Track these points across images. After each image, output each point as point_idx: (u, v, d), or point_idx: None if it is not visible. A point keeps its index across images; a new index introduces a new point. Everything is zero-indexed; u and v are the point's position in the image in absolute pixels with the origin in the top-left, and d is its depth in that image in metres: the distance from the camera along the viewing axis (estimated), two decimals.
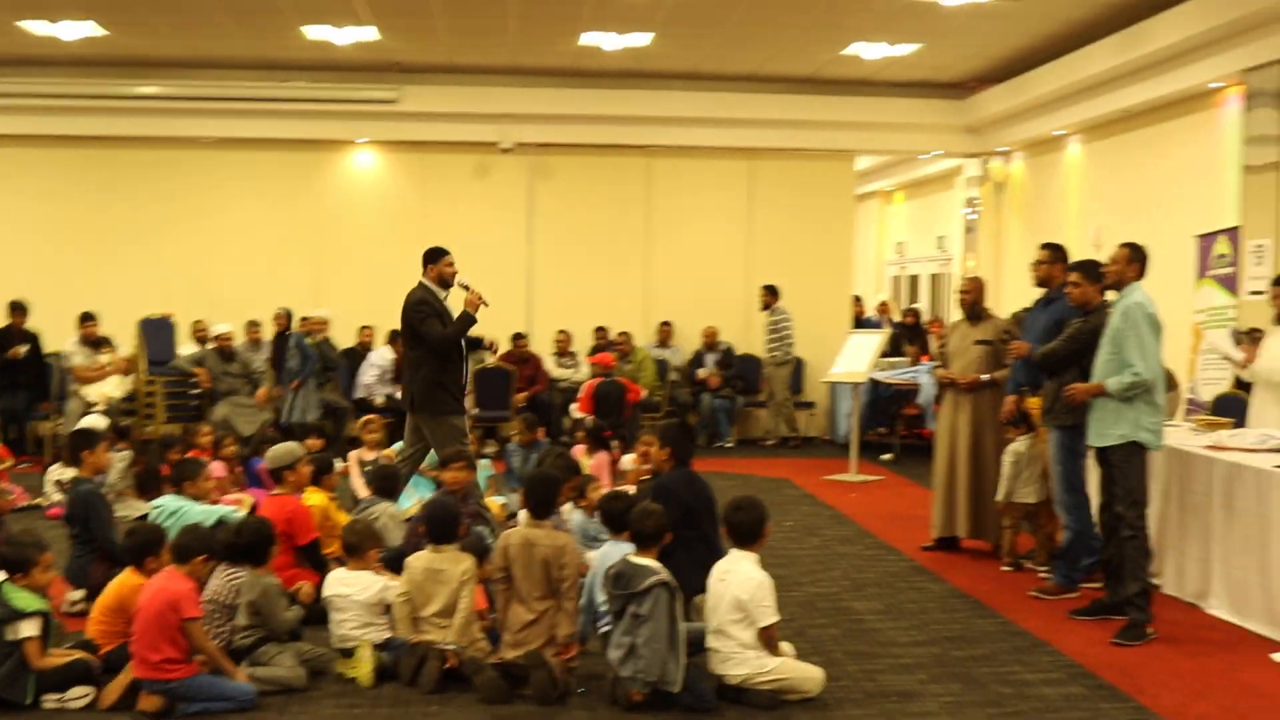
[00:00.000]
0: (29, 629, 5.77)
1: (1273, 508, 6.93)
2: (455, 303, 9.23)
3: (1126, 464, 7.13)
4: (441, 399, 8.94)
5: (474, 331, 9.32)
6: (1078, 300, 7.74)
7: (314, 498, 8.03)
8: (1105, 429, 7.21)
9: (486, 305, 9.14)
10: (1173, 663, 6.59)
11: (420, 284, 9.21)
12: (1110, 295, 7.55)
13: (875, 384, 14.37)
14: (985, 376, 9.11)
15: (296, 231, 16.22)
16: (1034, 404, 8.51)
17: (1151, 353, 7.08)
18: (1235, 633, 7.14)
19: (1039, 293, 8.71)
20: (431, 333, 8.92)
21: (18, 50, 14.44)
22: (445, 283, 9.25)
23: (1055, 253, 8.57)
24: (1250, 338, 10.72)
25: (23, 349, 13.37)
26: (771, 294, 15.77)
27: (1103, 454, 7.30)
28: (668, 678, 5.70)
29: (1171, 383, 9.38)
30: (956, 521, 9.27)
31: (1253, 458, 7.34)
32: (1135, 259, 7.32)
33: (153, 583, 5.92)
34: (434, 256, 9.34)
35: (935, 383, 10.44)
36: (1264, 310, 10.66)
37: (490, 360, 14.21)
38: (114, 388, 13.46)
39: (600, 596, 6.20)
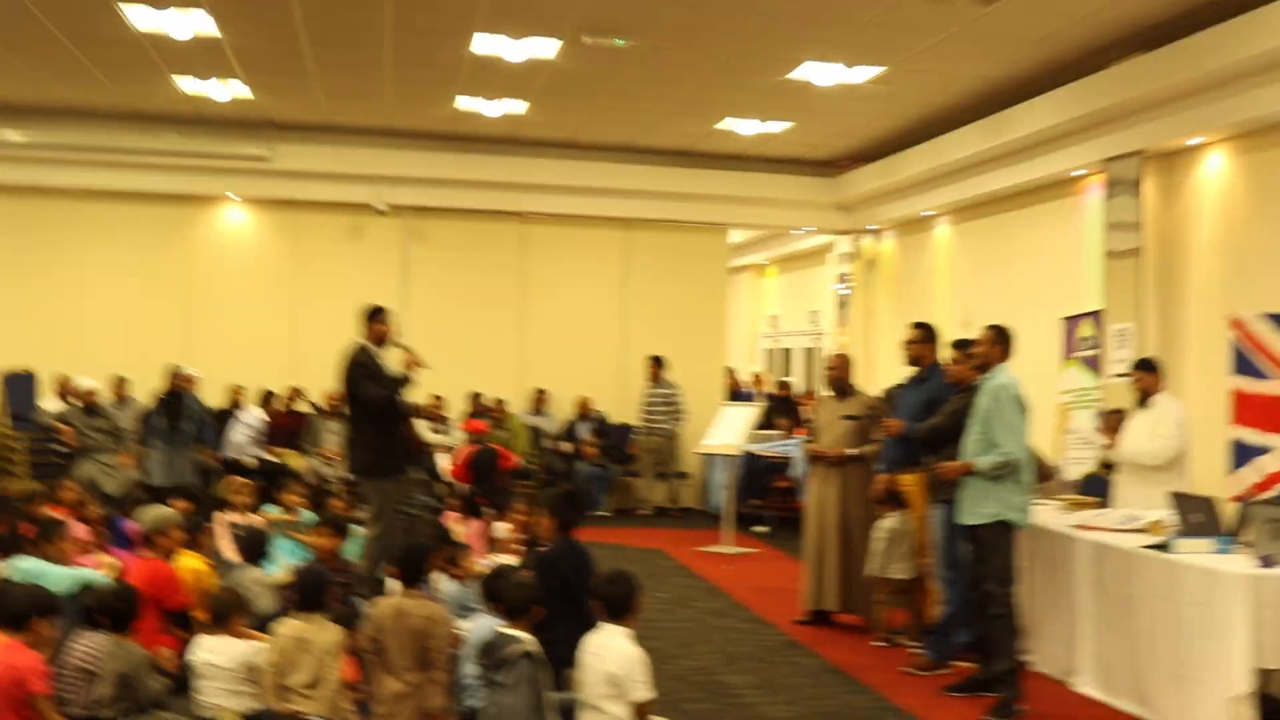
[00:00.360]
0: None
1: (1138, 587, 7.08)
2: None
3: (995, 542, 7.24)
4: (380, 461, 8.87)
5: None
6: (955, 377, 7.89)
7: (188, 561, 7.83)
8: (974, 507, 7.32)
9: (424, 366, 9.11)
10: None
11: (358, 344, 9.09)
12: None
13: (750, 455, 14.44)
14: (852, 451, 9.24)
15: (165, 287, 15.90)
16: (907, 481, 8.61)
17: (1018, 432, 7.23)
18: (1103, 710, 7.25)
19: (910, 369, 8.84)
20: (366, 394, 8.82)
21: None
22: (382, 342, 9.14)
23: (926, 332, 8.74)
24: (1111, 419, 11.00)
25: None
26: (659, 365, 15.87)
27: (972, 532, 7.39)
28: None
29: (1045, 471, 9.54)
30: (826, 595, 9.33)
31: (1118, 537, 7.50)
32: (999, 341, 7.49)
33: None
34: (372, 316, 9.21)
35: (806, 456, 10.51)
36: (1126, 392, 10.95)
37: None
38: None
39: (470, 669, 6.12)
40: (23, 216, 15.65)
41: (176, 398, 13.61)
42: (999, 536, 7.26)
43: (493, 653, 5.76)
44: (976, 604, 7.48)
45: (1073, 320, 12.01)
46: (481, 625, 6.26)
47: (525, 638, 5.79)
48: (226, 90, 13.58)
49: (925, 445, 8.07)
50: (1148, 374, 8.90)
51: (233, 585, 7.31)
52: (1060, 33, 10.57)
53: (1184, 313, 11.18)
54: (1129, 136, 11.24)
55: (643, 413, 16.05)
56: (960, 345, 8.02)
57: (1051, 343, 12.14)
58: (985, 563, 7.30)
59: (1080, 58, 11.20)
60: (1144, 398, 8.84)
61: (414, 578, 6.25)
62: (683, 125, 14.74)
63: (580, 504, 7.54)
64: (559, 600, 6.30)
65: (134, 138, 15.08)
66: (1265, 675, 6.46)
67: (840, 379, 9.59)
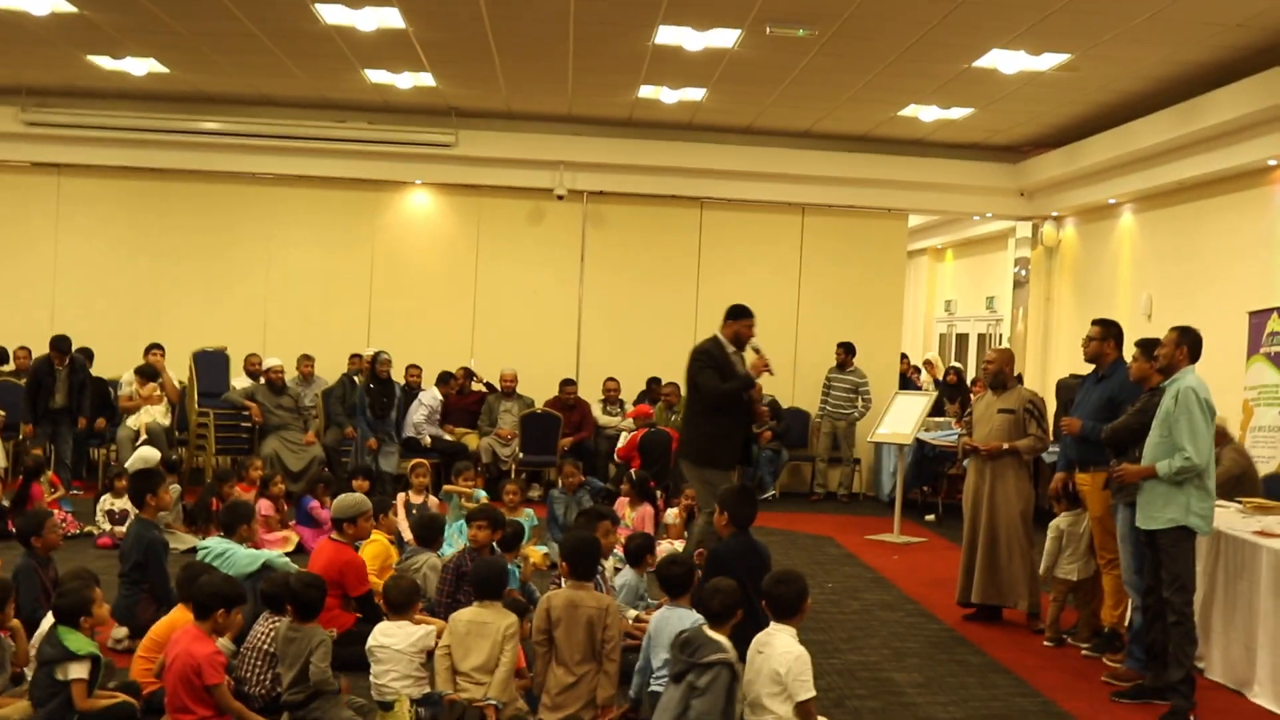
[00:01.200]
0: (78, 671, 5.84)
1: None
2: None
3: (1175, 548, 7.10)
4: (705, 451, 8.86)
5: None
6: (1139, 376, 7.75)
7: (376, 541, 8.15)
8: (1154, 512, 7.18)
9: (771, 374, 9.09)
10: None
11: (713, 336, 9.13)
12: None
13: (920, 443, 14.34)
14: (1006, 445, 9.12)
15: (351, 269, 16.40)
16: (1084, 480, 8.49)
17: (1203, 437, 7.06)
18: None
19: (1087, 367, 8.69)
20: (706, 384, 8.83)
21: (86, 83, 14.75)
22: (739, 341, 9.09)
23: (1107, 329, 8.56)
24: None
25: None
26: (848, 352, 15.90)
27: (1150, 537, 7.26)
28: None
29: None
30: (975, 588, 9.28)
31: None
32: (1184, 342, 7.29)
33: (177, 641, 5.98)
34: (735, 314, 9.18)
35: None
36: None
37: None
38: (159, 415, 13.54)
39: (657, 659, 6.23)
40: (218, 201, 16.29)
41: (385, 383, 14.09)
42: (1179, 543, 7.11)
43: (693, 651, 5.84)
44: (1153, 609, 7.36)
45: (1260, 315, 11.66)
46: (667, 615, 6.35)
47: (727, 645, 5.84)
48: (410, 79, 13.93)
49: (1110, 445, 7.91)
50: None
51: (409, 571, 7.54)
52: (1255, 19, 10.23)
53: None
54: None
55: (825, 397, 16.04)
56: (1144, 345, 7.84)
57: (1237, 338, 11.81)
58: (1164, 569, 7.16)
59: (1275, 43, 10.84)
60: None
61: (585, 571, 6.38)
62: (862, 112, 14.66)
63: (754, 499, 7.61)
64: None
65: (323, 126, 15.60)
66: None
67: (998, 372, 9.48)
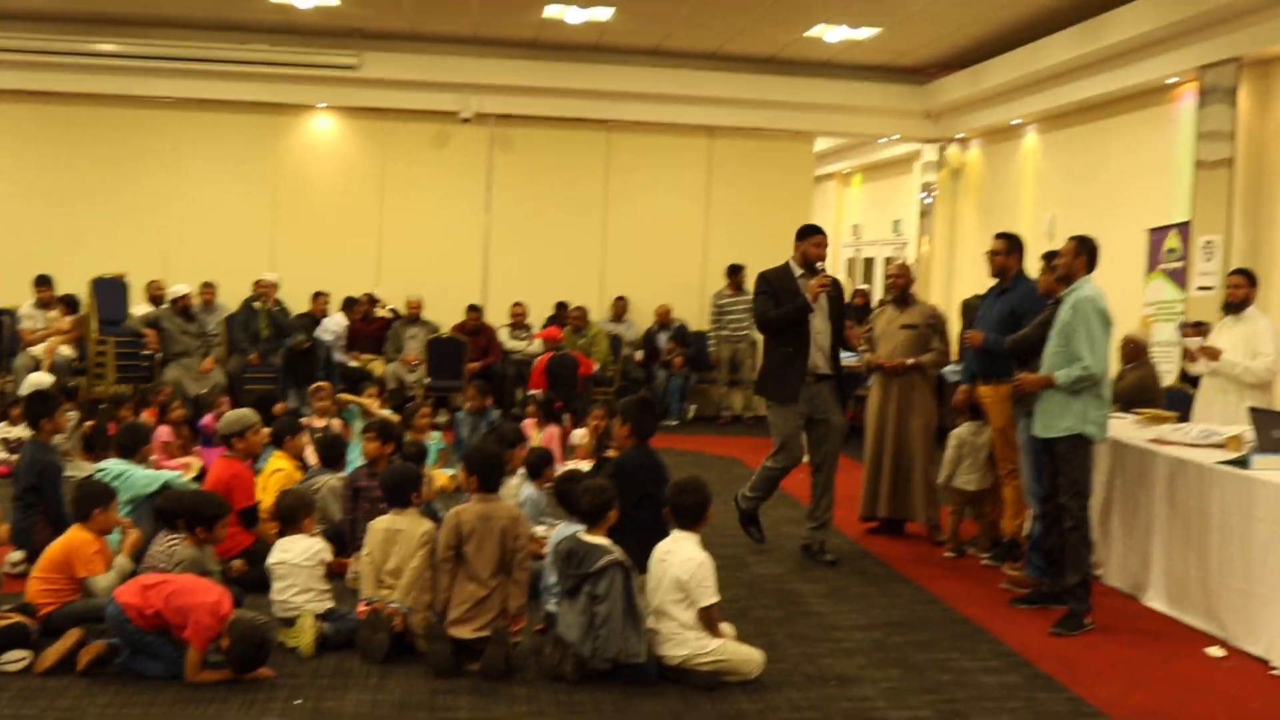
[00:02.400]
0: None
1: (1212, 503, 7.03)
2: None
3: (1072, 455, 7.20)
4: (765, 382, 8.63)
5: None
6: (1046, 288, 7.83)
7: (279, 462, 8.07)
8: (1052, 420, 7.27)
9: (829, 290, 8.43)
10: (1110, 653, 6.68)
11: (785, 261, 8.64)
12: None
13: None
14: (910, 361, 9.16)
15: (254, 194, 16.13)
16: (986, 392, 8.57)
17: (1100, 347, 7.14)
18: (1172, 625, 7.23)
19: (991, 281, 8.75)
20: (757, 310, 8.58)
21: None
22: (809, 263, 8.51)
23: (1011, 243, 8.59)
24: (1197, 330, 10.87)
25: None
26: (738, 274, 15.87)
27: (1048, 445, 7.36)
28: (630, 650, 5.77)
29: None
30: (880, 502, 9.39)
31: (1194, 453, 7.43)
32: (1082, 252, 7.35)
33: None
34: (802, 234, 8.66)
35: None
36: (1211, 305, 10.81)
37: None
38: (48, 351, 13.34)
39: (553, 577, 6.25)
40: (115, 126, 15.91)
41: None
42: (1075, 450, 7.21)
43: (579, 562, 5.87)
44: (1049, 516, 7.47)
45: (1159, 232, 11.84)
46: (563, 532, 6.39)
47: (610, 545, 5.90)
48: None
49: (1013, 356, 7.98)
50: (1249, 283, 8.74)
51: (303, 489, 7.46)
52: None
53: (1273, 225, 10.98)
54: (1226, 43, 11.00)
55: (718, 320, 16.02)
56: (1049, 257, 7.91)
57: (1137, 254, 11.98)
58: (1061, 475, 7.26)
59: None
60: (1239, 306, 8.68)
61: (491, 482, 6.35)
62: (769, 32, 14.60)
63: (655, 412, 7.61)
64: (633, 508, 6.40)
65: (224, 48, 15.22)
66: None
67: (903, 287, 9.51)
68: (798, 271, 8.49)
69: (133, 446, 7.93)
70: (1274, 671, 6.36)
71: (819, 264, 8.51)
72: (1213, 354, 8.61)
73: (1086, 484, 7.28)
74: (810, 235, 8.58)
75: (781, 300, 8.39)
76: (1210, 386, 8.83)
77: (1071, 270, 7.35)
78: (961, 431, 8.75)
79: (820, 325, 8.44)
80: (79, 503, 6.40)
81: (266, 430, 8.25)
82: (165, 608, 5.63)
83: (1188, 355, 9.03)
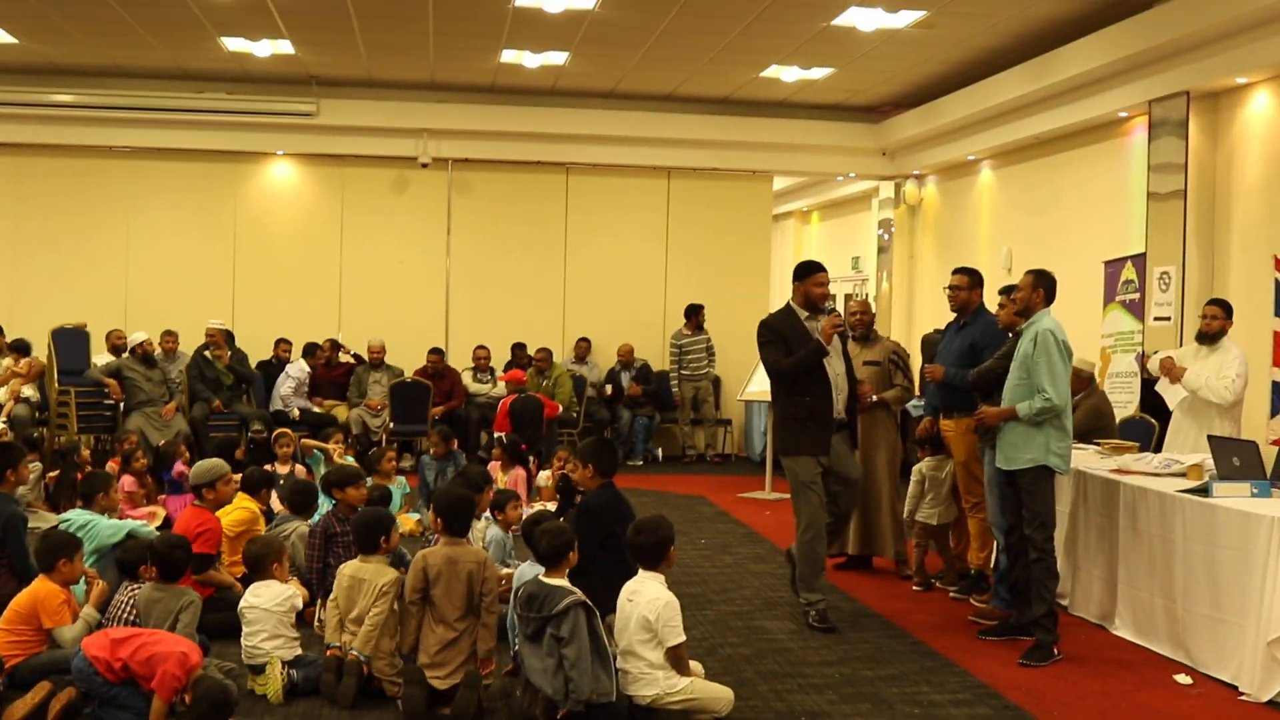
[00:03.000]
0: None
1: (1175, 531, 7.09)
2: None
3: (1034, 487, 7.26)
4: (785, 435, 7.88)
5: None
6: (1006, 322, 7.90)
7: (244, 505, 8.02)
8: (1015, 453, 7.32)
9: (841, 330, 8.03)
10: (1078, 683, 6.71)
11: (785, 305, 8.16)
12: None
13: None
14: (874, 397, 9.16)
15: (213, 242, 16.11)
16: (947, 426, 8.63)
17: (1061, 379, 7.20)
18: (1139, 654, 7.28)
19: (948, 314, 8.81)
20: (767, 361, 7.98)
21: None
22: (812, 303, 8.02)
23: (972, 278, 8.65)
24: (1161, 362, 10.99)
25: None
26: (698, 313, 16.13)
27: (1011, 477, 7.41)
28: (602, 689, 5.73)
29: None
30: (848, 539, 9.38)
31: (1156, 482, 7.51)
32: (1040, 285, 7.42)
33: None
34: (800, 274, 8.08)
35: None
36: (1169, 335, 10.94)
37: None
38: (27, 392, 13.25)
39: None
40: (73, 175, 15.88)
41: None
42: (1038, 481, 7.27)
43: (540, 605, 5.85)
44: (1014, 548, 7.51)
45: (1115, 264, 11.96)
46: (525, 572, 6.39)
47: (570, 588, 5.88)
48: (269, 47, 13.67)
49: (976, 390, 8.01)
50: (1225, 315, 8.84)
51: (271, 535, 7.41)
52: None
53: (1227, 255, 11.12)
54: (1175, 77, 11.15)
55: (678, 360, 16.09)
56: (1008, 291, 7.98)
57: (1094, 287, 12.10)
58: (1025, 507, 7.30)
59: None
60: (1214, 337, 8.77)
61: (460, 526, 6.33)
62: (724, 73, 14.72)
63: (614, 450, 7.60)
64: (599, 548, 6.40)
65: (181, 97, 15.28)
66: None
67: (864, 324, 9.55)
68: (802, 314, 8.02)
69: (90, 495, 7.88)
70: (1243, 697, 6.40)
71: (826, 303, 8.08)
72: (1172, 370, 8.71)
73: (1050, 515, 7.34)
74: (811, 274, 8.04)
75: (792, 346, 7.86)
76: (1181, 417, 8.91)
77: (1030, 303, 7.42)
78: (923, 466, 8.81)
79: (837, 368, 8.03)
80: (44, 554, 6.34)
81: (237, 478, 8.21)
82: (132, 660, 5.59)
83: (1161, 369, 9.04)
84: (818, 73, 14.42)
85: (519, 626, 6.03)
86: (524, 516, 8.34)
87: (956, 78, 14.41)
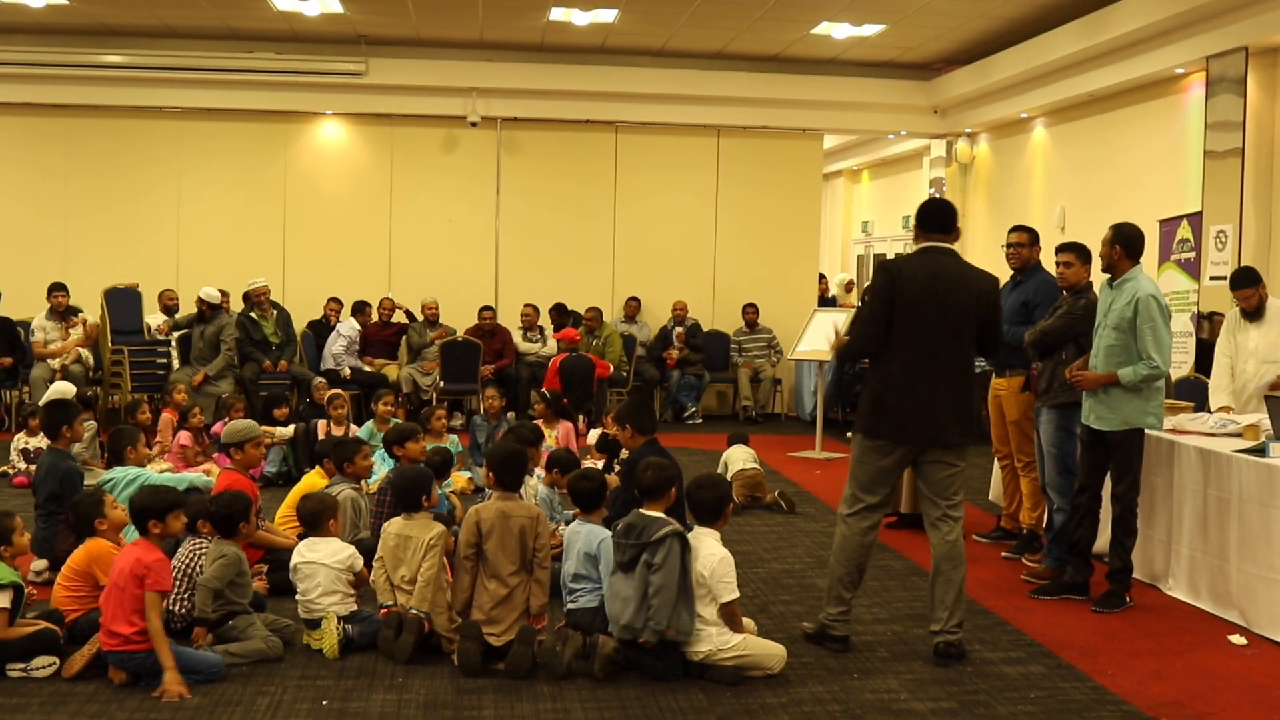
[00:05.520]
0: (0, 600, 5.77)
1: (1231, 492, 7.03)
2: None
3: (1129, 444, 7.25)
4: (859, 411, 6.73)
5: None
6: (1071, 280, 7.82)
7: (311, 479, 8.07)
8: (1109, 414, 7.25)
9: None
10: (1131, 643, 6.68)
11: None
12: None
13: (840, 361, 14.44)
14: None
15: (263, 202, 16.19)
16: (999, 385, 8.60)
17: (1166, 346, 7.14)
18: (1193, 614, 7.24)
19: (1000, 272, 8.71)
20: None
21: None
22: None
23: (1032, 235, 8.63)
24: (1211, 321, 10.89)
25: None
26: (755, 310, 16.56)
27: (1098, 435, 7.34)
28: (681, 627, 5.79)
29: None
30: (900, 498, 9.34)
31: (1212, 441, 7.44)
32: (1116, 241, 7.27)
33: (125, 553, 5.88)
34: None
35: None
36: (1224, 295, 10.81)
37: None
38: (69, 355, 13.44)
39: (568, 572, 6.27)
40: (123, 136, 15.99)
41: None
42: (1132, 440, 7.26)
43: (639, 533, 5.91)
44: (1084, 508, 7.47)
45: (1170, 223, 11.83)
46: (577, 530, 6.41)
47: (669, 519, 5.96)
48: (317, 5, 13.69)
49: (1036, 348, 7.95)
50: (1255, 287, 8.63)
51: (325, 493, 7.44)
52: None
53: None
54: (1233, 32, 11.01)
55: (740, 354, 16.26)
56: (1076, 249, 7.88)
57: (1149, 246, 11.92)
58: (1116, 466, 7.30)
59: None
60: (1256, 313, 8.61)
61: (513, 481, 6.35)
62: (775, 30, 14.62)
63: (650, 409, 7.65)
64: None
65: (230, 57, 15.35)
66: None
67: None
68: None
69: (119, 450, 8.00)
70: None
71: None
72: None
73: (1139, 474, 7.34)
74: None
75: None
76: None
77: (1112, 260, 7.31)
78: None
79: None
80: (77, 524, 6.42)
81: (282, 431, 8.22)
82: (108, 605, 5.65)
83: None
84: (869, 29, 14.30)
85: (615, 554, 6.05)
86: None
87: (1010, 34, 14.25)
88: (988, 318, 6.34)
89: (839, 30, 14.39)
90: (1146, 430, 7.52)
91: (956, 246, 6.51)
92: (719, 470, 10.36)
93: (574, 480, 6.73)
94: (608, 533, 6.31)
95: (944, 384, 6.24)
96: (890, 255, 20.80)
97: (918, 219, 6.54)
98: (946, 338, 6.22)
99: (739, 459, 10.45)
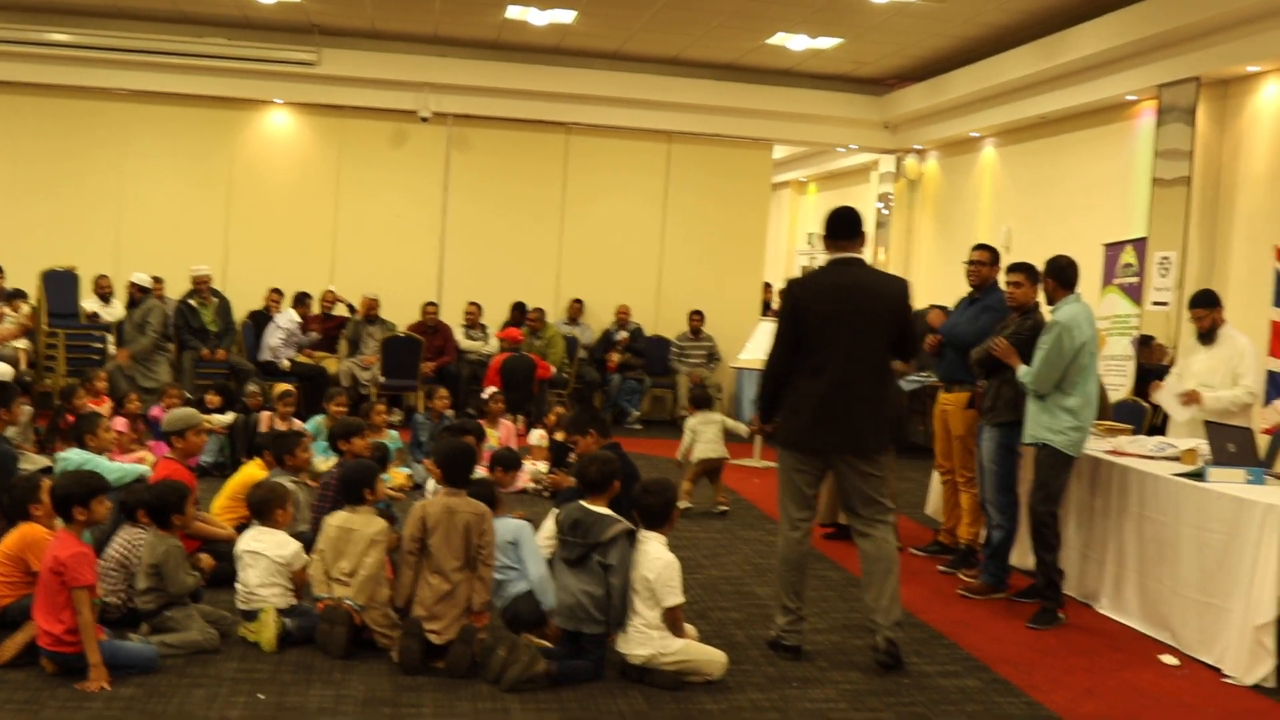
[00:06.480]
0: None
1: (1167, 515, 7.11)
2: None
3: (1041, 459, 7.45)
4: (779, 425, 6.74)
5: None
6: (1019, 300, 7.90)
7: (250, 470, 7.96)
8: (1026, 426, 7.55)
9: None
10: (1065, 659, 6.74)
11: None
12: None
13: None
14: None
15: (207, 190, 15.98)
16: (946, 400, 8.66)
17: (1051, 369, 7.35)
18: (1126, 633, 7.32)
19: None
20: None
21: None
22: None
23: (993, 254, 8.69)
24: (1148, 346, 11.02)
25: None
26: (700, 318, 16.53)
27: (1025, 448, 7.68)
28: (623, 621, 5.96)
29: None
30: (837, 509, 9.36)
31: (1151, 465, 7.53)
32: (1048, 275, 7.68)
33: (47, 551, 5.76)
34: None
35: None
36: (1166, 320, 10.95)
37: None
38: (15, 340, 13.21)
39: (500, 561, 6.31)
40: (68, 117, 15.69)
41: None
42: (1043, 454, 7.43)
43: (586, 531, 5.96)
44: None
45: (1114, 247, 11.95)
46: (504, 524, 6.44)
47: (617, 516, 6.04)
48: None
49: (980, 365, 8.03)
50: (1211, 309, 8.63)
51: (274, 482, 7.35)
52: None
53: (1229, 244, 11.13)
54: (1186, 62, 11.14)
55: (679, 362, 16.20)
56: (1025, 269, 7.96)
57: (1093, 269, 12.07)
58: (1034, 478, 7.51)
59: None
60: (1209, 335, 8.68)
61: (460, 477, 6.31)
62: (731, 39, 14.64)
63: (599, 412, 7.72)
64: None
65: (181, 41, 15.08)
66: None
67: None
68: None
69: (81, 436, 7.84)
70: (1227, 680, 6.43)
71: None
72: (1194, 399, 8.56)
73: (1054, 489, 7.47)
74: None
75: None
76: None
77: (1049, 293, 7.66)
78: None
79: None
80: (13, 508, 6.30)
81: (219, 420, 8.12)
82: (39, 609, 5.54)
83: (1184, 401, 8.62)
84: (825, 42, 14.35)
85: (560, 550, 6.08)
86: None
87: (964, 53, 14.36)
88: (900, 322, 6.42)
89: (795, 42, 14.43)
90: (1086, 451, 7.62)
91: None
92: (685, 438, 10.54)
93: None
94: (519, 522, 6.53)
95: (857, 393, 6.33)
96: None
97: (827, 228, 6.60)
98: (858, 347, 6.32)
99: (707, 444, 10.51)
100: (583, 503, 6.11)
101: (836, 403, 6.31)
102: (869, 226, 18.28)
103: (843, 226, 6.57)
